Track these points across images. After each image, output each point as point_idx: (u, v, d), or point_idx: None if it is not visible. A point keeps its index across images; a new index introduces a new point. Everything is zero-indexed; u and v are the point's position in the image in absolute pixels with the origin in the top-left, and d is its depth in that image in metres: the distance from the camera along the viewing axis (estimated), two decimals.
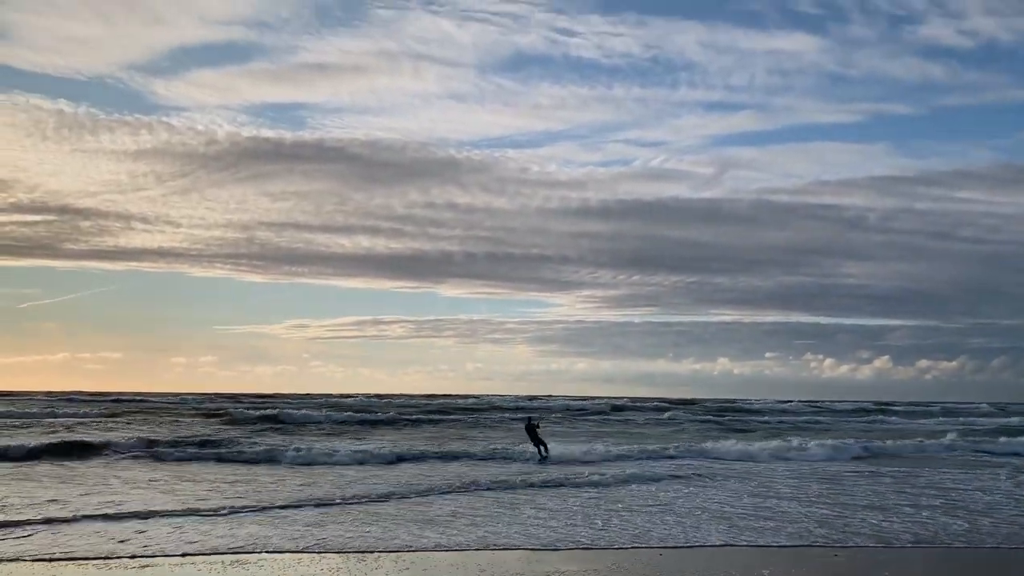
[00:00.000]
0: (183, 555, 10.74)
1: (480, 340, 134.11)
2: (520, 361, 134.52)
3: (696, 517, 14.26)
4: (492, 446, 26.77)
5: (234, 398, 78.18)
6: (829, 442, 29.08)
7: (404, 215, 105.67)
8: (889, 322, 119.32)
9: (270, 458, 22.96)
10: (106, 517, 13.21)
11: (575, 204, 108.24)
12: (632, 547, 11.74)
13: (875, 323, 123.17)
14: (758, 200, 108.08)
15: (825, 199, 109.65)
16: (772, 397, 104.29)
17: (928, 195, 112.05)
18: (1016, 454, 29.38)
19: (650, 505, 15.60)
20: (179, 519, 13.23)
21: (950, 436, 33.74)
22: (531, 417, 25.39)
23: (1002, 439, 33.27)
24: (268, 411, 44.21)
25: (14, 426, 33.40)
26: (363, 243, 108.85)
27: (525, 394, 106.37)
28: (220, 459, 22.97)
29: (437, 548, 11.42)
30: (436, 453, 24.93)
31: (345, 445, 26.37)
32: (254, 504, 14.83)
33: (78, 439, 26.20)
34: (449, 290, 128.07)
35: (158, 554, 10.78)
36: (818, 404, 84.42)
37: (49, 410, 46.31)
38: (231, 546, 11.26)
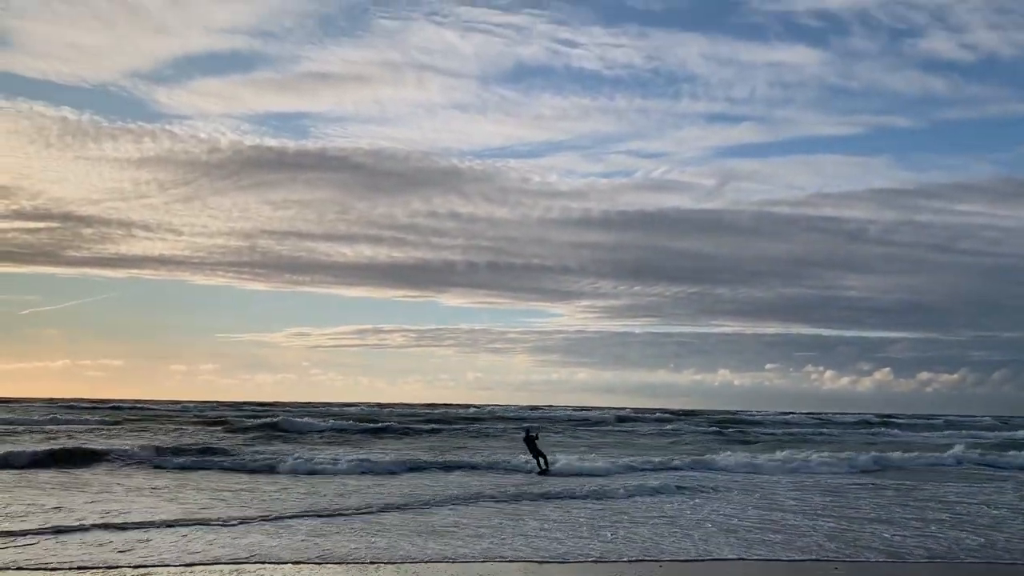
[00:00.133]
0: (185, 565, 10.66)
1: (480, 350, 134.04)
2: (520, 371, 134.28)
3: (704, 530, 14.15)
4: (493, 456, 26.64)
5: (235, 406, 78.05)
6: (843, 454, 28.93)
7: (406, 224, 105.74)
8: (890, 334, 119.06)
9: (272, 467, 22.87)
10: (110, 526, 13.13)
11: (576, 214, 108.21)
12: (640, 559, 11.63)
13: (876, 335, 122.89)
14: (759, 212, 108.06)
15: (826, 211, 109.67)
16: (772, 409, 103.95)
17: (929, 208, 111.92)
18: (1022, 468, 29.23)
19: (656, 517, 15.48)
20: (183, 528, 13.15)
21: (957, 449, 33.48)
22: (529, 428, 25.21)
23: (1011, 453, 33.02)
24: (269, 419, 44.11)
25: (16, 433, 33.31)
26: (365, 252, 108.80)
27: (526, 404, 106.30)
28: (223, 468, 22.92)
29: (441, 559, 11.33)
30: (437, 463, 24.83)
31: (347, 454, 26.27)
32: (257, 514, 14.72)
33: (81, 446, 26.16)
34: (450, 299, 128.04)
35: (159, 564, 10.69)
36: (820, 416, 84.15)
37: (51, 417, 46.24)
38: (233, 556, 11.16)
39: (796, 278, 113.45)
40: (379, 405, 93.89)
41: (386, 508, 15.96)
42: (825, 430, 56.07)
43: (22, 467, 21.81)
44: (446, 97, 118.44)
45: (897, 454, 31.13)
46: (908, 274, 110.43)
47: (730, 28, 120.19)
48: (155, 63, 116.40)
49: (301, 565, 10.84)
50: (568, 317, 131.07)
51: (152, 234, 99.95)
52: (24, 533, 12.37)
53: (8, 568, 10.28)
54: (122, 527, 13.08)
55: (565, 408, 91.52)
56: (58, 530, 12.67)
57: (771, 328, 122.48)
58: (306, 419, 44.81)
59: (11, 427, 36.57)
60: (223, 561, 10.89)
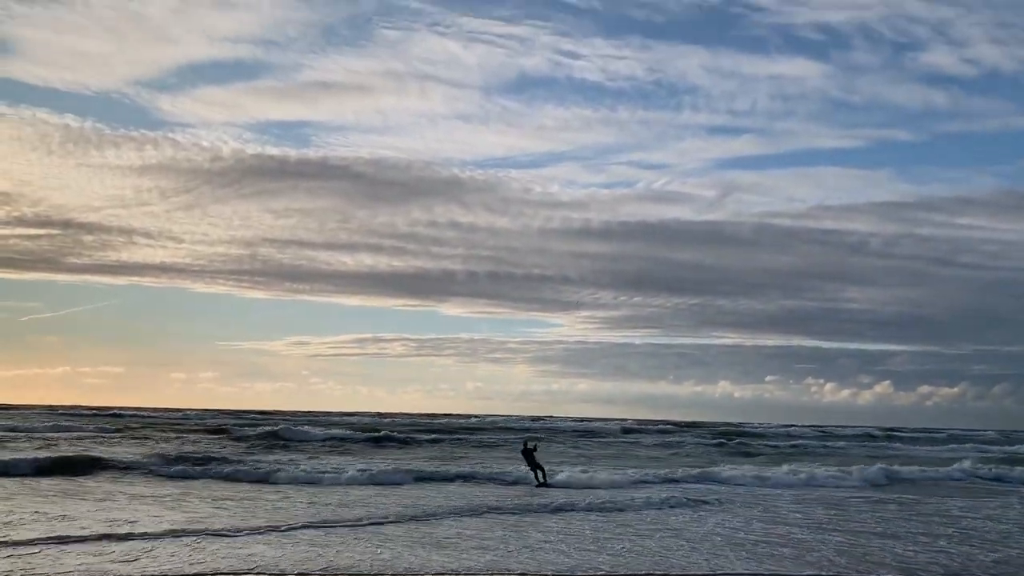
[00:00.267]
0: None
1: (480, 359, 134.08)
2: (520, 381, 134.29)
3: (711, 543, 14.03)
4: (496, 467, 26.51)
5: (235, 414, 77.90)
6: (851, 468, 28.78)
7: (407, 233, 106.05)
8: (890, 347, 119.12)
9: (275, 476, 22.75)
10: (112, 536, 13.04)
11: (577, 225, 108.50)
12: (651, 573, 11.48)
13: (876, 348, 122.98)
14: (760, 224, 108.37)
15: (827, 224, 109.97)
16: (773, 421, 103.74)
17: (930, 221, 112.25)
18: None
19: (661, 530, 15.36)
20: (186, 538, 13.05)
21: (965, 463, 33.28)
22: (527, 440, 25.02)
23: (1018, 468, 32.77)
24: (270, 428, 44.04)
25: (18, 440, 33.23)
26: (366, 261, 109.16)
27: (527, 415, 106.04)
28: (225, 476, 22.80)
29: (447, 572, 11.22)
30: (440, 473, 24.72)
31: (349, 463, 26.17)
32: (260, 524, 14.63)
33: (84, 454, 26.08)
34: (450, 309, 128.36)
35: (161, 575, 10.60)
36: (823, 428, 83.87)
37: (52, 424, 46.16)
38: (236, 567, 11.07)
39: (797, 290, 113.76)
40: (379, 414, 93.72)
41: (389, 519, 15.86)
42: (829, 443, 55.91)
43: (24, 475, 21.73)
44: (448, 107, 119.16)
45: (905, 468, 30.94)
46: (909, 287, 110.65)
47: (732, 41, 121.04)
48: (158, 71, 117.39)
49: None
50: (568, 327, 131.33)
51: (153, 242, 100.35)
52: (27, 543, 12.28)
53: None
54: (125, 537, 12.99)
55: (567, 420, 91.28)
56: (61, 539, 12.58)
57: (772, 340, 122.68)
58: (307, 428, 44.75)
59: (12, 434, 36.49)
60: (225, 572, 10.80)
